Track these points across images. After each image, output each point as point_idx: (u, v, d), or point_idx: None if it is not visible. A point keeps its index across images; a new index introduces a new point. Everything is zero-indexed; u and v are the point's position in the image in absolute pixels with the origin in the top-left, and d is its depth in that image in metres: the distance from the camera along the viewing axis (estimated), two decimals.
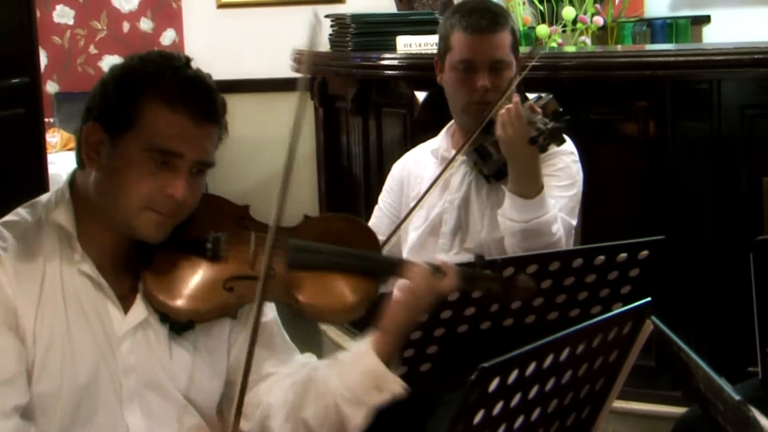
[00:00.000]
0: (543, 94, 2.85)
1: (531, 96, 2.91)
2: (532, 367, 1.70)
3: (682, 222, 3.67)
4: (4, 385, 1.92)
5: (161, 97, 1.95)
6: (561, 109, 2.73)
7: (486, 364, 1.60)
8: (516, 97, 2.68)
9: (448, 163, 2.86)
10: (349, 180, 4.66)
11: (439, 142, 3.04)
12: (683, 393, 3.59)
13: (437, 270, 2.12)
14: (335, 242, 2.17)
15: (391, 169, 3.18)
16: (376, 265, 2.21)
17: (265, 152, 5.26)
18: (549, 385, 1.77)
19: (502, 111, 2.65)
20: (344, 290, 2.13)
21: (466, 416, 1.63)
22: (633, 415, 3.58)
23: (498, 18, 2.89)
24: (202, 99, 1.99)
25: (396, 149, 3.99)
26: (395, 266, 2.18)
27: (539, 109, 2.69)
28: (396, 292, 2.12)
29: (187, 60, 2.04)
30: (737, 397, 1.53)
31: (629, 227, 3.70)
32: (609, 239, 2.32)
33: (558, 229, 2.73)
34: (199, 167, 2.00)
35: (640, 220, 3.74)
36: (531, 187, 2.68)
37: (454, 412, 1.62)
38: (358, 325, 2.70)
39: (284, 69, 4.92)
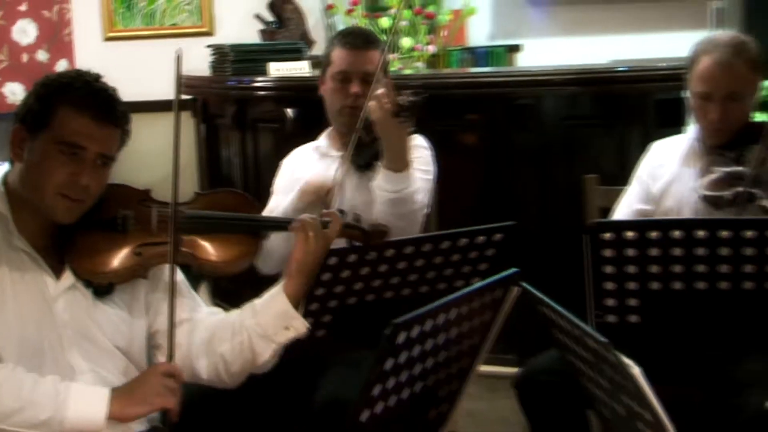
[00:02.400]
0: None
1: None
2: (429, 324, 1.81)
3: (514, 216, 3.77)
4: None
5: (71, 102, 2.11)
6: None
7: (397, 321, 1.70)
8: (388, 81, 2.72)
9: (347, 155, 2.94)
10: (230, 187, 4.65)
11: (320, 142, 3.12)
12: (517, 354, 3.71)
13: (326, 223, 2.34)
14: (223, 210, 2.38)
15: (265, 176, 3.23)
16: (260, 224, 2.44)
17: (149, 161, 5.21)
18: (441, 340, 1.87)
19: (376, 94, 2.66)
20: (233, 247, 2.33)
21: (379, 364, 1.73)
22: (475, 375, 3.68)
23: (370, 39, 3.02)
24: (106, 105, 2.14)
25: (270, 159, 4.04)
26: (287, 224, 2.39)
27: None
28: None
29: (97, 76, 2.19)
30: (602, 339, 1.61)
31: (472, 223, 3.79)
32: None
33: (421, 199, 2.81)
34: (103, 160, 2.15)
35: (481, 216, 3.81)
36: (401, 162, 2.73)
37: (372, 359, 1.72)
38: None
39: (161, 92, 4.90)
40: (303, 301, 2.30)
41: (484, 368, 3.72)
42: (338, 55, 2.98)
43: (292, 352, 2.43)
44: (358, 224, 2.48)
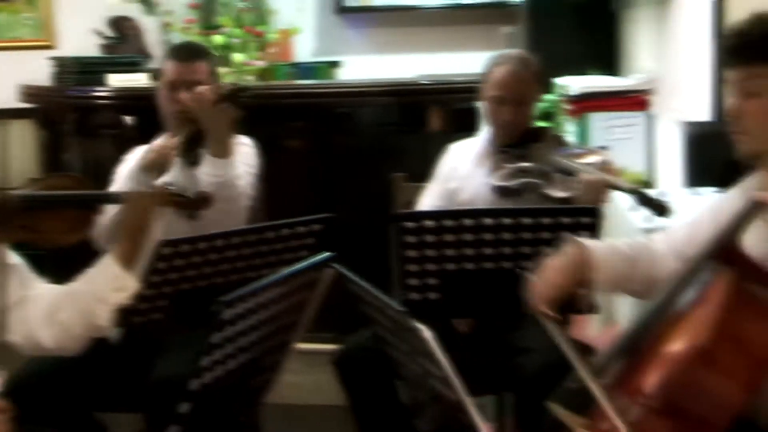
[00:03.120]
0: None
1: None
2: (253, 302, 1.88)
3: (334, 210, 3.81)
4: None
5: None
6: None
7: (224, 299, 1.76)
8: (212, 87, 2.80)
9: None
10: None
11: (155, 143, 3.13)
12: (336, 333, 3.76)
13: (151, 194, 2.43)
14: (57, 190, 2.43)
15: (105, 178, 3.21)
16: (90, 198, 2.51)
17: None
18: (264, 316, 1.95)
19: (197, 90, 2.76)
20: (67, 221, 2.39)
21: (209, 337, 1.79)
22: (296, 352, 3.68)
23: (197, 51, 3.03)
24: None
25: (109, 163, 3.98)
26: (117, 197, 2.47)
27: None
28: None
29: None
30: (399, 308, 1.71)
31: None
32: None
33: (244, 186, 2.86)
34: None
35: (305, 211, 3.83)
36: (226, 150, 2.79)
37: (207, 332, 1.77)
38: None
39: (4, 101, 4.81)
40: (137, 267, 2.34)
41: (306, 345, 3.75)
42: (168, 66, 3.00)
43: (131, 334, 2.46)
44: (183, 193, 2.54)
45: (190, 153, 2.90)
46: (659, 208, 2.39)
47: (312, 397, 3.66)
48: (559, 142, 2.87)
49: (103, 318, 2.27)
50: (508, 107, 2.81)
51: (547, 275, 1.98)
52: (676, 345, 1.71)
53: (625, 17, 5.12)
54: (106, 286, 2.27)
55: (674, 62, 3.96)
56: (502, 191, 2.76)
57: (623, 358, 1.85)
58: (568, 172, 2.66)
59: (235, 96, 2.74)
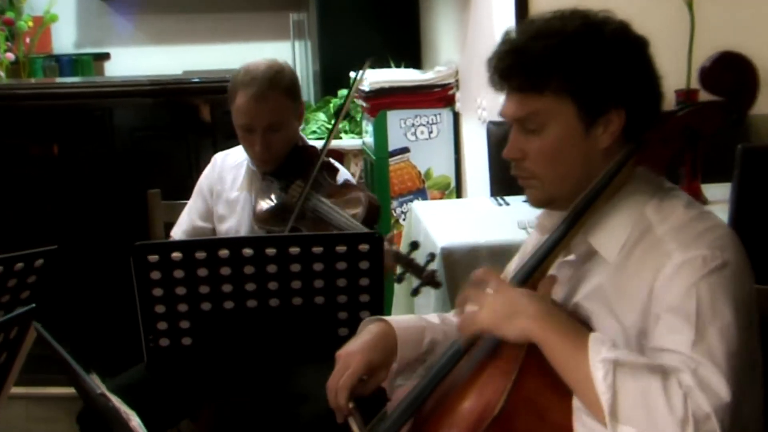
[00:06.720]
0: None
1: None
2: None
3: (81, 228, 3.51)
4: None
5: None
6: None
7: None
8: None
9: None
10: None
11: None
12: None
13: None
14: None
15: None
16: None
17: None
18: None
19: None
20: None
21: None
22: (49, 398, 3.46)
23: None
24: None
25: None
26: None
27: None
28: None
29: None
30: (98, 390, 1.45)
31: (39, 235, 3.47)
32: (21, 246, 2.13)
33: None
34: None
35: (48, 229, 3.51)
36: None
37: None
38: None
39: None
40: None
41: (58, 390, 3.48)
42: None
43: None
44: None
45: None
46: (426, 279, 2.24)
47: None
48: (329, 168, 2.63)
49: None
50: (258, 136, 2.53)
51: (346, 362, 1.68)
52: (468, 407, 1.54)
53: (427, 4, 4.97)
54: None
55: (477, 54, 3.78)
56: (266, 232, 2.54)
57: (410, 419, 1.65)
58: (332, 224, 2.45)
59: None
